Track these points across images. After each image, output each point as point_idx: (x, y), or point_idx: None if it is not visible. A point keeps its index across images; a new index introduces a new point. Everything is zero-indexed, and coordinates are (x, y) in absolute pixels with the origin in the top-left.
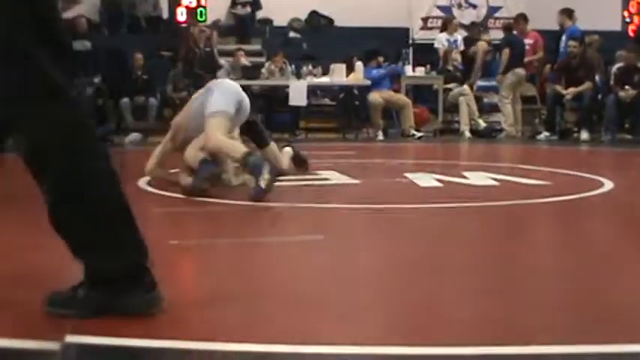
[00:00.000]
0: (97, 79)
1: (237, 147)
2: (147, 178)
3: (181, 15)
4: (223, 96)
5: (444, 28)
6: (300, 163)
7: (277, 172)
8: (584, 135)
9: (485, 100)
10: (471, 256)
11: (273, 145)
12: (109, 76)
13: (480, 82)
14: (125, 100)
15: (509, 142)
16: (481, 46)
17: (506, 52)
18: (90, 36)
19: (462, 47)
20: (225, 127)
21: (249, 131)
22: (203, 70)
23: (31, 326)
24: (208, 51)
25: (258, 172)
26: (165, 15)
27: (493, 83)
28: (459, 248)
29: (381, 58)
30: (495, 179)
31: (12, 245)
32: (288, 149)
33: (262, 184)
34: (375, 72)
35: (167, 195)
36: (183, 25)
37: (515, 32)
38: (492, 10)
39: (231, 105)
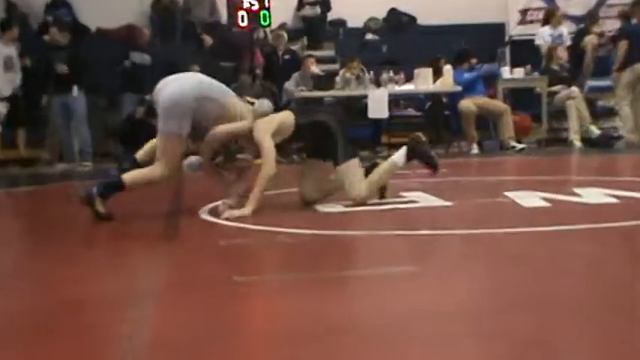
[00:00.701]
0: (148, 96)
1: None
2: (208, 207)
3: (242, 20)
4: None
5: (546, 22)
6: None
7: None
8: None
9: (600, 102)
10: (585, 287)
11: (347, 165)
12: None
13: (593, 82)
14: None
15: (630, 152)
16: (590, 41)
17: (622, 44)
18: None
19: (568, 42)
20: None
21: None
22: (276, 82)
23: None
24: (288, 58)
25: None
26: (223, 20)
27: (608, 82)
28: (571, 278)
29: (473, 60)
30: (614, 196)
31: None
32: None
33: None
34: (466, 75)
35: (232, 225)
36: (246, 30)
37: (633, 21)
38: None
39: None
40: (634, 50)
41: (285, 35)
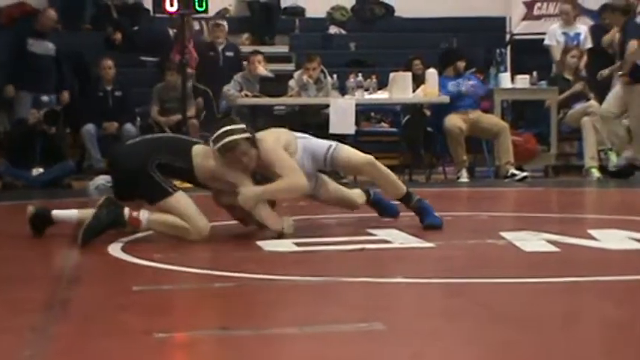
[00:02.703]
0: (46, 97)
1: None
2: (120, 242)
3: (170, 3)
4: None
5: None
6: None
7: None
8: None
9: (624, 121)
10: (604, 357)
11: None
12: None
13: None
14: (89, 127)
15: None
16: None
17: (633, 45)
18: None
19: (587, 45)
20: None
21: None
22: (213, 85)
23: None
24: (230, 56)
25: None
26: (148, 3)
27: None
28: (585, 346)
29: (461, 63)
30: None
31: None
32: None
33: None
34: (450, 86)
35: (150, 265)
36: (174, 16)
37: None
38: None
39: None
40: None
41: (226, 25)
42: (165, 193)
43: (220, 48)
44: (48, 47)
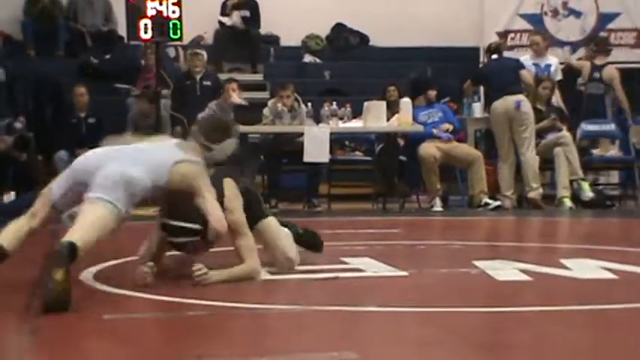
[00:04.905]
0: (19, 124)
1: None
2: (92, 270)
3: (145, 31)
4: None
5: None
6: (313, 247)
7: None
8: None
9: (595, 151)
10: None
11: (270, 222)
12: (37, 118)
13: (589, 126)
14: (62, 154)
15: (633, 215)
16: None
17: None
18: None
19: (558, 76)
20: None
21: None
22: (189, 114)
23: None
24: (208, 85)
25: None
26: (122, 30)
27: (607, 127)
28: None
29: (432, 92)
30: (610, 270)
31: None
32: (286, 231)
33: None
34: (422, 116)
35: (122, 293)
36: (148, 43)
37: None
38: (605, 20)
39: None
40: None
41: (205, 55)
42: None
43: (198, 77)
44: None
